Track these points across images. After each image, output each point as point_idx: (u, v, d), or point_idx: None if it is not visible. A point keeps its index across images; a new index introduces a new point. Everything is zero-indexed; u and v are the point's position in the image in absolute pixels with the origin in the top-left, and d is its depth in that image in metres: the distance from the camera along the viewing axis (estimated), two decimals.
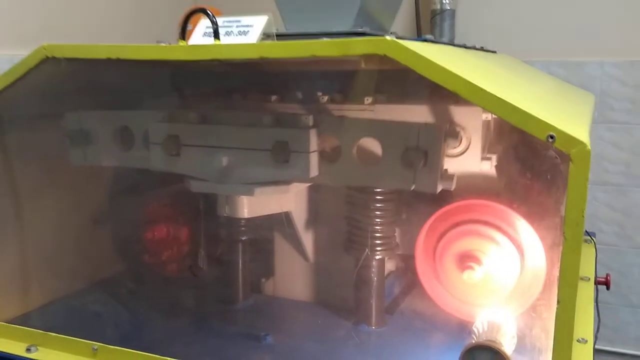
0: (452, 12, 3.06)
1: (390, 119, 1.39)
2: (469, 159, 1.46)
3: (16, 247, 1.68)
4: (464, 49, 1.69)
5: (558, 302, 1.03)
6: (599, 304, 2.32)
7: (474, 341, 1.14)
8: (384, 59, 1.06)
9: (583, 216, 0.99)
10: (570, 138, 0.97)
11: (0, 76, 1.42)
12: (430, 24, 3.10)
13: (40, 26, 2.76)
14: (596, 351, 2.91)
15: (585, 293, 1.79)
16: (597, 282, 2.17)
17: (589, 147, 0.97)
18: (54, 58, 1.35)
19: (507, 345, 1.18)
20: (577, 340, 1.47)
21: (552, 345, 1.04)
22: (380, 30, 1.83)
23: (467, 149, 1.46)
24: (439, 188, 1.26)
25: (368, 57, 1.10)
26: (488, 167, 1.47)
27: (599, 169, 2.89)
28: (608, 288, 2.23)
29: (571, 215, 0.99)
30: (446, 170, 1.28)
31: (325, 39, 1.14)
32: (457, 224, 1.50)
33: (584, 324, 1.57)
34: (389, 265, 1.76)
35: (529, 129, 1.00)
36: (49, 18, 2.82)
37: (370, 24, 1.72)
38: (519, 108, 0.98)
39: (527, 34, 3.04)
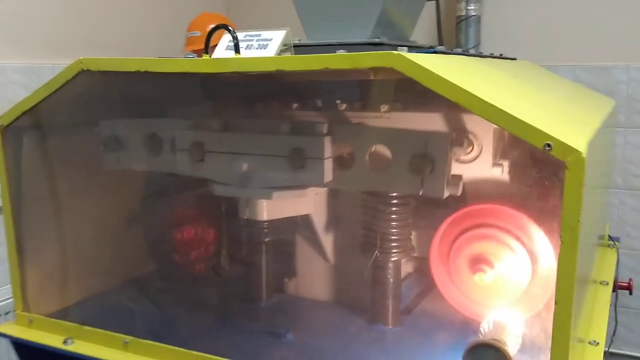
0: (478, 18, 3.10)
1: (405, 126, 1.45)
2: (480, 165, 1.51)
3: (56, 247, 1.79)
4: (479, 58, 1.74)
5: (556, 303, 1.07)
6: (621, 309, 2.33)
7: (477, 339, 1.19)
8: (391, 71, 1.13)
9: (579, 221, 1.03)
10: (566, 146, 1.02)
11: (41, 87, 1.53)
12: (456, 30, 3.15)
13: (77, 38, 2.91)
14: (622, 356, 2.90)
15: (602, 297, 1.81)
16: (619, 287, 2.18)
17: (584, 155, 1.01)
18: (89, 71, 1.45)
19: (511, 345, 1.23)
20: (589, 343, 1.50)
21: (551, 345, 1.09)
22: (400, 38, 1.89)
23: (478, 155, 1.51)
24: (446, 193, 1.31)
25: (377, 69, 1.17)
26: (499, 173, 1.51)
27: (626, 173, 2.89)
28: (631, 292, 2.24)
29: (567, 220, 1.04)
30: (453, 176, 1.33)
31: (340, 52, 1.21)
32: (471, 228, 1.55)
33: (597, 327, 1.60)
34: (407, 268, 1.82)
35: (527, 138, 1.05)
36: (84, 31, 2.97)
37: (389, 33, 1.78)
38: (517, 117, 1.03)
39: (552, 39, 3.06)
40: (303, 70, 1.24)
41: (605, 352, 1.54)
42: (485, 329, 1.26)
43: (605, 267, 2.07)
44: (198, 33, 2.82)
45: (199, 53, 2.82)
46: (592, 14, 2.96)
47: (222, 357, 1.38)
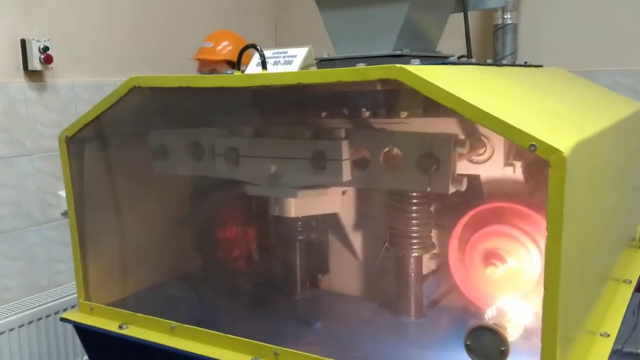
0: (514, 26, 3.18)
1: (423, 130, 1.58)
2: (492, 165, 1.62)
3: (113, 245, 2.01)
4: (494, 67, 1.84)
5: (545, 288, 1.18)
6: None
7: (478, 322, 1.30)
8: (394, 82, 1.27)
9: (562, 214, 1.14)
10: (549, 146, 1.13)
11: (100, 102, 1.74)
12: (493, 38, 3.23)
13: (137, 58, 3.18)
14: None
15: (622, 294, 1.86)
16: None
17: (565, 154, 1.12)
18: (139, 87, 1.66)
19: (512, 330, 1.33)
20: (600, 334, 1.58)
21: (541, 325, 1.19)
22: (425, 49, 2.01)
23: (491, 156, 1.62)
24: (452, 189, 1.43)
25: (384, 81, 1.31)
26: (511, 173, 1.62)
27: None
28: None
29: (552, 213, 1.15)
30: (459, 174, 1.46)
31: (358, 66, 1.36)
32: (485, 225, 1.66)
33: (612, 321, 1.67)
34: (431, 265, 1.94)
35: (514, 139, 1.16)
36: (144, 51, 3.24)
37: (412, 45, 1.90)
38: (504, 120, 1.15)
39: (591, 45, 3.10)
40: (320, 83, 1.40)
41: (620, 350, 1.61)
42: (489, 314, 1.37)
43: (632, 267, 2.11)
44: (211, 44, 3.01)
45: (203, 62, 2.96)
46: (630, 19, 2.99)
47: (256, 340, 1.54)
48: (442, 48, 2.17)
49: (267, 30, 4.22)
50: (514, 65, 2.09)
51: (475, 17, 3.37)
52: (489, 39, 3.28)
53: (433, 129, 1.57)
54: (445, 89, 1.20)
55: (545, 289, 1.18)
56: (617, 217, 1.97)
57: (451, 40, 2.40)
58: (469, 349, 1.29)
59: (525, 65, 2.17)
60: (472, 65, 1.72)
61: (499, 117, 1.16)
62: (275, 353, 1.51)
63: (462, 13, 2.18)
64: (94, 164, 1.91)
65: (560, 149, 1.12)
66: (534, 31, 3.23)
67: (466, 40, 2.29)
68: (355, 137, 1.52)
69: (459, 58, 2.12)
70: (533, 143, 1.14)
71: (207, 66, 2.96)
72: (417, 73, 1.23)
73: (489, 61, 1.92)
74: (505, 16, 3.15)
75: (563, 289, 1.18)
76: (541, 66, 2.27)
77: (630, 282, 1.97)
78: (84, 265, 1.90)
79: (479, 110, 1.17)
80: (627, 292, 1.90)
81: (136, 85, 1.65)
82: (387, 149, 1.49)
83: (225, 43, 2.95)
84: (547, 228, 1.16)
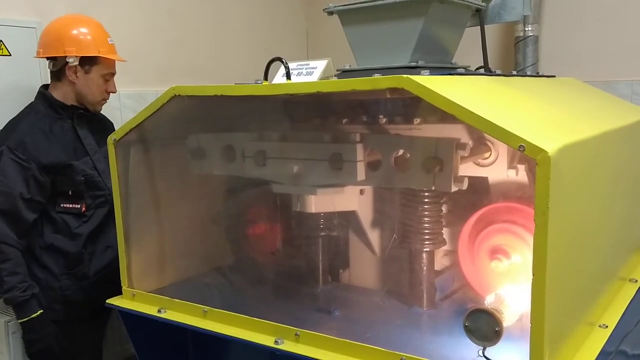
0: (535, 38, 3.29)
1: (432, 135, 1.74)
2: (497, 168, 1.76)
3: (155, 241, 2.21)
4: (503, 78, 1.98)
5: (533, 274, 1.32)
6: None
7: (476, 306, 1.44)
8: (402, 90, 1.43)
9: (548, 207, 1.28)
10: (536, 147, 1.27)
11: (144, 109, 1.95)
12: (515, 50, 3.36)
13: (175, 68, 3.41)
14: None
15: (626, 292, 1.97)
16: None
17: (549, 154, 1.26)
18: (179, 95, 1.86)
19: (507, 315, 1.46)
20: (599, 326, 1.70)
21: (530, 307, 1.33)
22: (440, 61, 2.16)
23: (495, 160, 1.76)
24: (454, 188, 1.58)
25: (392, 89, 1.47)
26: (515, 175, 1.76)
27: None
28: None
29: (539, 206, 1.29)
30: (461, 175, 1.61)
31: (375, 76, 1.52)
32: (492, 223, 1.80)
33: (612, 314, 1.79)
34: (444, 261, 2.08)
35: (506, 141, 1.31)
36: (182, 62, 3.47)
37: (428, 57, 2.05)
38: (495, 124, 1.30)
39: (610, 56, 3.20)
40: (337, 91, 1.57)
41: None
42: (489, 300, 1.51)
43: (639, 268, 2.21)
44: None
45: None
46: None
47: (279, 323, 1.71)
48: (465, 60, 2.32)
49: (299, 42, 4.43)
50: (524, 75, 2.22)
51: (497, 30, 3.50)
52: (511, 50, 3.40)
53: (442, 134, 1.72)
54: (445, 96, 1.36)
55: (533, 274, 1.32)
56: (624, 219, 2.07)
57: (474, 52, 2.55)
58: (467, 330, 1.43)
59: (537, 75, 2.29)
60: (479, 76, 1.87)
61: (492, 120, 1.30)
62: (296, 334, 1.67)
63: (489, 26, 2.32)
64: (138, 164, 2.11)
65: (546, 150, 1.26)
66: (554, 43, 3.35)
67: (483, 52, 2.44)
68: (369, 141, 1.69)
69: (476, 69, 2.27)
70: (522, 144, 1.28)
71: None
72: (420, 82, 1.39)
73: (498, 72, 2.06)
74: (527, 28, 3.28)
75: (550, 275, 1.31)
76: (554, 76, 2.39)
77: (636, 281, 2.06)
78: (127, 256, 2.10)
79: (474, 115, 1.32)
80: (632, 289, 2.00)
81: (176, 94, 1.85)
82: (397, 152, 1.65)
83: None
84: (534, 219, 1.30)
